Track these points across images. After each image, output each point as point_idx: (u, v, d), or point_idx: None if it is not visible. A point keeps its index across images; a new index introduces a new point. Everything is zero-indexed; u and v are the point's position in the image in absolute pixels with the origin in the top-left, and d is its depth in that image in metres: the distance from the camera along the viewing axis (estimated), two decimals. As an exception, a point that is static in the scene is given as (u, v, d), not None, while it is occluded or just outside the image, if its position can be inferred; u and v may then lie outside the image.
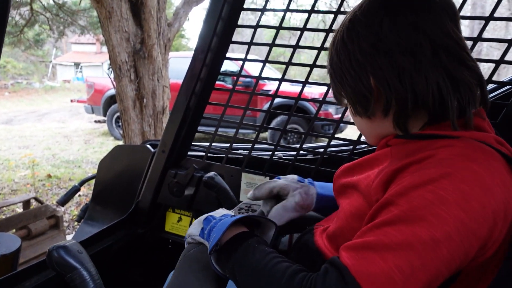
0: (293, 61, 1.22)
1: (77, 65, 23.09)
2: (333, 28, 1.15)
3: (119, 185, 1.54)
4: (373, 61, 0.60)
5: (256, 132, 1.27)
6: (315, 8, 1.16)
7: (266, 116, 1.28)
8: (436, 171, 0.51)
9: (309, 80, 1.20)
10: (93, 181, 1.63)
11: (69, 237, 2.35)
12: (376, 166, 0.64)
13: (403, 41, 0.58)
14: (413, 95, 0.58)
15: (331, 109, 6.15)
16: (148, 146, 1.47)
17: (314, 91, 5.88)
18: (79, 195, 4.15)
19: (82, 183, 1.68)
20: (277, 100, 6.07)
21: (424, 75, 0.57)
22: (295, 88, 5.47)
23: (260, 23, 1.25)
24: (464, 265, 0.51)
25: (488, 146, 0.55)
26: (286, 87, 5.35)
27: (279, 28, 1.23)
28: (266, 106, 6.37)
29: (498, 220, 0.50)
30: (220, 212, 0.73)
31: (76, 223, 3.40)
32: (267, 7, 1.22)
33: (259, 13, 1.27)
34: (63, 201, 1.64)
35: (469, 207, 0.49)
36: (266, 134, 6.84)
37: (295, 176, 0.90)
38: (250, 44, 1.27)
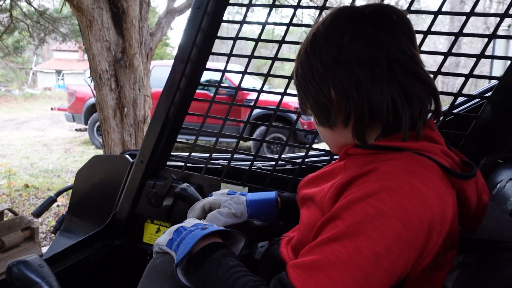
0: (277, 71, 1.24)
1: (58, 72, 22.70)
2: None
3: (96, 195, 1.52)
4: (333, 73, 0.62)
5: (239, 141, 1.28)
6: (300, 21, 1.19)
7: (245, 126, 1.29)
8: (378, 185, 0.54)
9: (288, 92, 1.22)
10: (71, 192, 1.60)
11: (45, 249, 2.28)
12: (331, 179, 0.67)
13: (361, 54, 0.60)
14: (369, 107, 0.61)
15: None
16: (127, 156, 1.45)
17: (296, 101, 5.92)
18: (58, 205, 4.05)
19: (59, 193, 1.64)
20: (261, 110, 6.07)
21: (380, 88, 0.60)
22: (286, 99, 5.50)
23: (247, 34, 1.27)
24: (404, 274, 0.54)
25: (428, 160, 0.58)
26: (270, 97, 5.40)
27: (258, 40, 1.25)
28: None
29: (433, 231, 0.54)
30: (191, 222, 0.73)
31: (53, 234, 3.31)
32: (250, 19, 1.24)
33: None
34: (38, 213, 1.60)
35: (407, 219, 0.51)
36: (250, 143, 6.85)
37: (225, 190, 0.96)
38: (230, 55, 1.28)
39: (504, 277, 0.56)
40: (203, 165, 1.32)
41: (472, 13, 1.00)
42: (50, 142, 7.75)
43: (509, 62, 0.99)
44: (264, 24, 1.23)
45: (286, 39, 1.22)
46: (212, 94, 6.11)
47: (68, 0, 2.45)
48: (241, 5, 1.26)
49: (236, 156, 1.34)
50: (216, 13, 1.22)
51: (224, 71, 1.30)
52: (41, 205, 1.61)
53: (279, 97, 1.23)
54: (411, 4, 1.05)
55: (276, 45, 1.25)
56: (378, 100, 0.60)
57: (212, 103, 1.29)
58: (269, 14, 1.26)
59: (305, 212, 0.71)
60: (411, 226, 0.51)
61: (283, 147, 1.21)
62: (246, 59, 1.29)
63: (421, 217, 0.52)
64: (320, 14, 1.16)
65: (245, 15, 1.25)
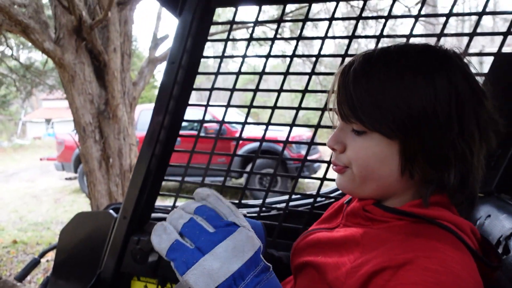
0: (263, 102, 1.25)
1: (48, 121, 22.75)
2: (289, 71, 1.21)
3: (81, 254, 1.47)
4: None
5: (230, 179, 1.27)
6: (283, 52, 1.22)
7: (231, 160, 1.28)
8: None
9: (273, 122, 1.23)
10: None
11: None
12: (344, 252, 0.59)
13: None
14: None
15: (304, 151, 6.26)
16: (111, 211, 1.43)
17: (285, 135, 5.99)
18: (47, 260, 3.92)
19: (43, 254, 1.60)
20: (254, 144, 6.15)
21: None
22: (270, 133, 5.57)
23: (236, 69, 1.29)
24: None
25: (468, 251, 0.53)
26: (261, 133, 5.43)
27: (238, 73, 1.26)
28: (241, 151, 6.42)
29: None
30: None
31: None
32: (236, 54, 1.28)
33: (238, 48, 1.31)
34: (21, 276, 1.55)
35: None
36: (242, 180, 6.81)
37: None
38: (212, 89, 1.29)
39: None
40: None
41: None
42: (39, 193, 7.62)
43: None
44: (243, 57, 1.26)
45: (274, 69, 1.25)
46: (204, 135, 6.18)
47: (50, 56, 2.50)
48: (216, 57, 1.30)
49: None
50: (195, 51, 1.25)
51: (207, 106, 1.30)
52: (24, 268, 1.56)
53: (272, 132, 1.24)
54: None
55: (274, 77, 1.27)
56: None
57: (197, 140, 1.28)
58: (247, 47, 1.28)
59: (303, 281, 0.64)
60: None
61: (267, 193, 1.20)
62: (240, 101, 1.30)
63: None
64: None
65: (224, 51, 1.28)
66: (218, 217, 0.49)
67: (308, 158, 6.03)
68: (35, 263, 1.57)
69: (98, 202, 2.71)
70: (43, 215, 5.86)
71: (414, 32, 1.10)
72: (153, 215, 1.38)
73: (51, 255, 3.93)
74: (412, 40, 1.10)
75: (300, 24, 1.21)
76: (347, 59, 1.17)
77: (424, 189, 0.58)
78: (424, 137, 0.55)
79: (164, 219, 1.35)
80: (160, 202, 5.09)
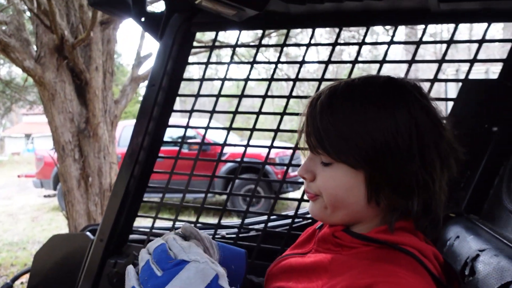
0: (248, 125, 1.26)
1: (28, 136, 22.23)
2: (268, 94, 1.23)
3: (56, 279, 1.43)
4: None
5: (214, 196, 1.27)
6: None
7: (211, 181, 1.28)
8: None
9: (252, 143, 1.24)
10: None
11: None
12: (314, 279, 0.61)
13: None
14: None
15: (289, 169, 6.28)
16: (88, 233, 1.40)
17: (271, 151, 6.01)
18: (21, 283, 3.77)
19: (15, 279, 1.54)
20: (234, 164, 6.10)
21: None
22: (258, 150, 5.59)
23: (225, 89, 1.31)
24: None
25: (429, 277, 0.55)
26: (249, 149, 5.43)
27: (218, 96, 1.28)
28: (224, 168, 6.40)
29: None
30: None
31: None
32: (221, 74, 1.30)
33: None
34: (-8, 302, 1.49)
35: None
36: (224, 197, 6.74)
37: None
38: (192, 111, 1.30)
39: None
40: (167, 238, 1.29)
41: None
42: (16, 211, 7.37)
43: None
44: (223, 80, 1.28)
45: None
46: (184, 151, 6.16)
47: (30, 75, 2.48)
48: (196, 79, 1.32)
49: (200, 225, 1.33)
50: (171, 89, 1.27)
51: (186, 127, 1.31)
52: (-5, 293, 1.51)
53: (257, 149, 1.26)
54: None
55: (261, 85, 1.29)
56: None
57: (177, 160, 1.28)
58: (227, 70, 1.30)
59: None
60: None
61: (245, 213, 1.21)
62: (225, 115, 1.31)
63: None
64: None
65: (204, 73, 1.30)
66: (167, 259, 0.52)
67: (291, 174, 6.00)
68: (7, 288, 1.52)
69: (76, 223, 2.65)
70: (19, 234, 5.67)
71: (395, 52, 1.15)
72: (131, 236, 1.36)
73: (26, 278, 3.79)
74: (386, 66, 1.15)
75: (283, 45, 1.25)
76: (324, 83, 1.21)
77: (390, 215, 0.61)
78: (387, 168, 0.57)
79: (142, 241, 1.34)
80: (138, 223, 4.99)
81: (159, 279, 0.50)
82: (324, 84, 0.95)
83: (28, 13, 3.04)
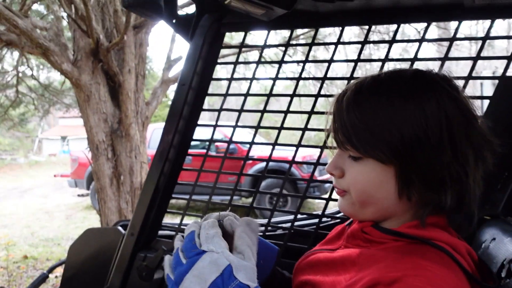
0: (277, 124, 1.27)
1: (63, 138, 23.23)
2: (300, 92, 1.24)
3: (89, 271, 1.49)
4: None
5: (240, 198, 1.28)
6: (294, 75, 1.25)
7: (238, 179, 1.29)
8: None
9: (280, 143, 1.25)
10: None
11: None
12: (342, 272, 0.60)
13: None
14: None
15: (316, 172, 6.22)
16: (119, 228, 1.45)
17: (298, 155, 5.98)
18: (56, 277, 3.94)
19: (51, 269, 1.62)
20: (264, 164, 6.16)
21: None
22: (282, 153, 5.61)
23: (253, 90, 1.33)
24: None
25: (461, 272, 0.54)
26: (276, 152, 5.44)
27: (246, 95, 1.30)
28: (251, 170, 6.42)
29: None
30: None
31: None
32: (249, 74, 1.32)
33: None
34: (30, 291, 1.56)
35: None
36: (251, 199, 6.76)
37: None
38: (220, 110, 1.33)
39: None
40: (194, 234, 1.31)
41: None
42: (52, 209, 7.72)
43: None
44: (251, 79, 1.30)
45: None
46: (211, 153, 6.24)
47: (68, 77, 2.60)
48: (225, 79, 1.34)
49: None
50: (200, 88, 1.29)
51: (215, 126, 1.33)
52: (33, 283, 1.58)
53: (283, 152, 1.26)
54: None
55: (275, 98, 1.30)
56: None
57: (205, 159, 1.31)
58: (255, 70, 1.32)
59: None
60: None
61: (272, 212, 1.21)
62: (252, 120, 1.34)
63: None
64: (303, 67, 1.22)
65: (233, 73, 1.32)
66: (191, 248, 0.55)
67: (319, 178, 6.00)
68: (43, 278, 1.59)
69: (108, 219, 2.74)
70: (55, 231, 5.92)
71: (427, 53, 1.13)
72: (160, 232, 1.39)
73: (60, 271, 3.95)
74: (417, 64, 1.12)
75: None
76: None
77: (422, 210, 0.59)
78: (418, 162, 0.56)
79: (171, 236, 1.37)
80: (168, 220, 5.10)
81: (183, 267, 0.53)
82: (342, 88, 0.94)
83: (66, 19, 3.19)
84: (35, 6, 5.07)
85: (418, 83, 0.59)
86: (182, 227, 1.34)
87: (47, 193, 10.01)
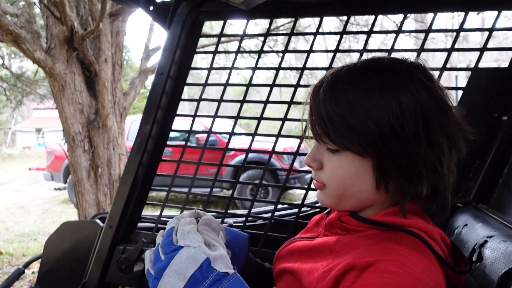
0: (254, 115, 1.26)
1: (38, 130, 22.52)
2: (281, 83, 1.24)
3: (66, 264, 1.46)
4: None
5: (222, 190, 1.28)
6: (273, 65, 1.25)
7: (218, 170, 1.29)
8: None
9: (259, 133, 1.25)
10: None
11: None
12: (319, 259, 0.62)
13: None
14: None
15: (296, 163, 6.27)
16: (97, 220, 1.42)
17: (279, 146, 6.02)
18: (33, 272, 3.85)
19: (27, 264, 1.58)
20: (250, 155, 6.12)
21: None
22: (263, 144, 5.62)
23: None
24: None
25: (434, 257, 0.55)
26: (256, 144, 5.44)
27: (225, 84, 1.29)
28: (232, 162, 6.41)
29: None
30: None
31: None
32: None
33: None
34: (4, 287, 1.52)
35: None
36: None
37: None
38: (199, 100, 1.31)
39: None
40: (174, 226, 1.30)
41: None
42: (27, 203, 7.50)
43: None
44: (230, 69, 1.29)
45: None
46: (191, 145, 6.16)
47: (41, 66, 2.51)
48: (204, 68, 1.32)
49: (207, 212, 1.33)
50: (179, 78, 1.27)
51: (194, 116, 1.31)
52: (7, 278, 1.54)
53: (264, 144, 1.26)
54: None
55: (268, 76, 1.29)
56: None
57: (184, 150, 1.29)
58: (234, 60, 1.30)
59: (282, 286, 0.67)
60: None
61: (252, 203, 1.22)
62: (232, 111, 1.32)
63: None
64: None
65: (212, 63, 1.30)
66: (169, 244, 0.58)
67: (299, 169, 6.04)
68: (19, 274, 1.55)
69: (86, 212, 2.69)
70: (30, 226, 5.77)
71: (404, 46, 1.14)
72: (140, 224, 1.38)
73: (37, 267, 3.86)
74: (394, 55, 1.14)
75: (292, 36, 1.24)
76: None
77: (400, 199, 0.61)
78: (394, 153, 0.57)
79: (150, 229, 1.36)
80: (149, 212, 5.04)
81: (162, 263, 0.56)
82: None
83: (38, 6, 3.07)
84: (5, -8, 4.85)
85: (394, 74, 0.59)
86: (162, 219, 1.33)
87: (22, 187, 9.71)
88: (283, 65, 1.28)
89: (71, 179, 6.98)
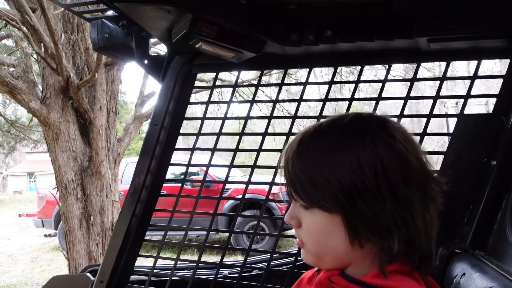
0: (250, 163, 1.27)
1: (30, 174, 22.25)
2: (268, 131, 1.26)
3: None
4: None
5: (217, 233, 1.26)
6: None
7: (213, 218, 1.27)
8: None
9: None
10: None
11: None
12: None
13: None
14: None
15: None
16: (88, 275, 1.38)
17: (276, 187, 5.95)
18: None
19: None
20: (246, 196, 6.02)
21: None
22: (262, 186, 5.59)
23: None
24: None
25: None
26: (254, 186, 5.39)
27: (219, 134, 1.30)
28: (228, 204, 6.33)
29: None
30: None
31: None
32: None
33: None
34: None
35: None
36: (227, 234, 6.60)
37: None
38: (193, 149, 1.32)
39: None
40: (168, 278, 1.27)
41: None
42: (15, 252, 7.24)
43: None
44: (223, 119, 1.31)
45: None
46: (188, 188, 6.15)
47: (35, 115, 2.54)
48: (197, 118, 1.35)
49: (201, 265, 1.31)
50: (172, 127, 1.29)
51: (188, 165, 1.32)
52: None
53: (261, 186, 1.25)
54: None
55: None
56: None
57: (178, 197, 1.29)
58: (227, 108, 1.33)
59: None
60: None
61: (247, 253, 1.20)
62: (229, 153, 1.34)
63: None
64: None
65: (205, 111, 1.33)
66: None
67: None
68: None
69: (77, 263, 2.60)
70: (18, 276, 5.54)
71: (394, 88, 1.18)
72: (132, 277, 1.34)
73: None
74: (382, 102, 1.18)
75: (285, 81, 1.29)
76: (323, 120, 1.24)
77: (379, 256, 0.60)
78: (360, 210, 0.57)
79: (143, 282, 1.32)
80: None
81: None
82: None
83: (35, 57, 3.15)
84: (3, 40, 4.99)
85: (352, 133, 0.61)
86: (155, 271, 1.29)
87: (11, 234, 9.42)
88: (274, 110, 1.32)
89: (62, 225, 6.83)
